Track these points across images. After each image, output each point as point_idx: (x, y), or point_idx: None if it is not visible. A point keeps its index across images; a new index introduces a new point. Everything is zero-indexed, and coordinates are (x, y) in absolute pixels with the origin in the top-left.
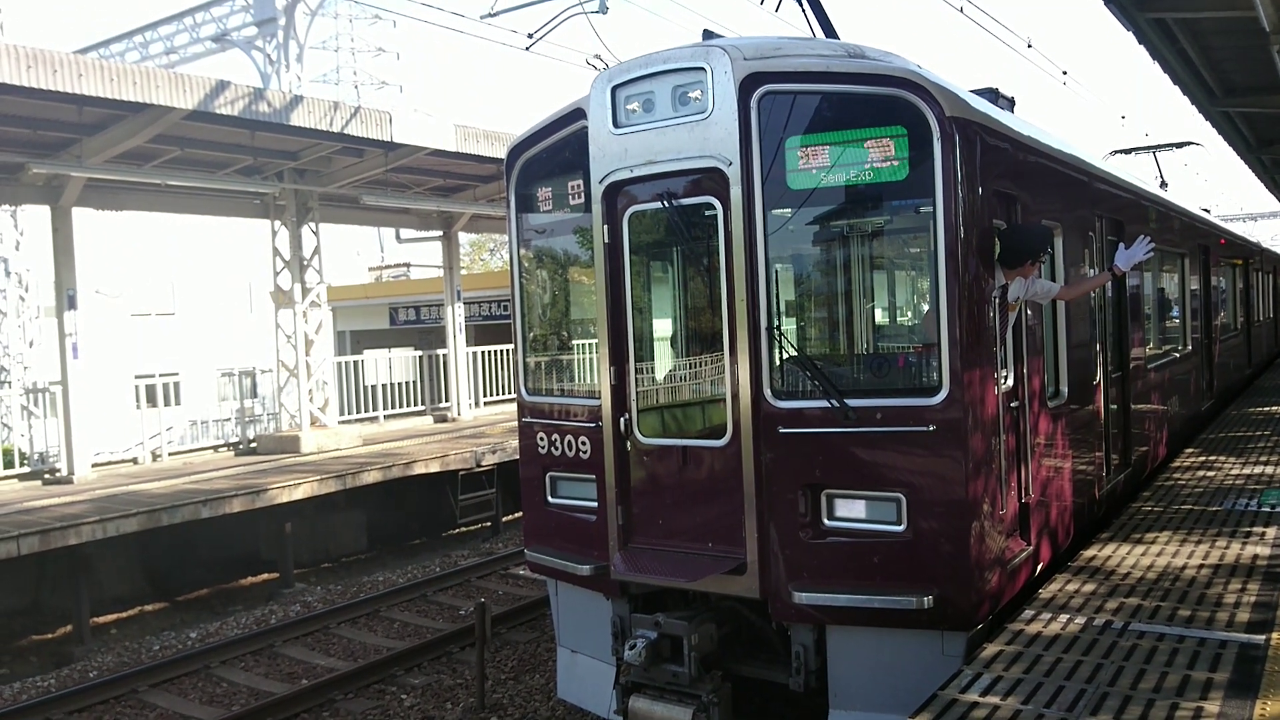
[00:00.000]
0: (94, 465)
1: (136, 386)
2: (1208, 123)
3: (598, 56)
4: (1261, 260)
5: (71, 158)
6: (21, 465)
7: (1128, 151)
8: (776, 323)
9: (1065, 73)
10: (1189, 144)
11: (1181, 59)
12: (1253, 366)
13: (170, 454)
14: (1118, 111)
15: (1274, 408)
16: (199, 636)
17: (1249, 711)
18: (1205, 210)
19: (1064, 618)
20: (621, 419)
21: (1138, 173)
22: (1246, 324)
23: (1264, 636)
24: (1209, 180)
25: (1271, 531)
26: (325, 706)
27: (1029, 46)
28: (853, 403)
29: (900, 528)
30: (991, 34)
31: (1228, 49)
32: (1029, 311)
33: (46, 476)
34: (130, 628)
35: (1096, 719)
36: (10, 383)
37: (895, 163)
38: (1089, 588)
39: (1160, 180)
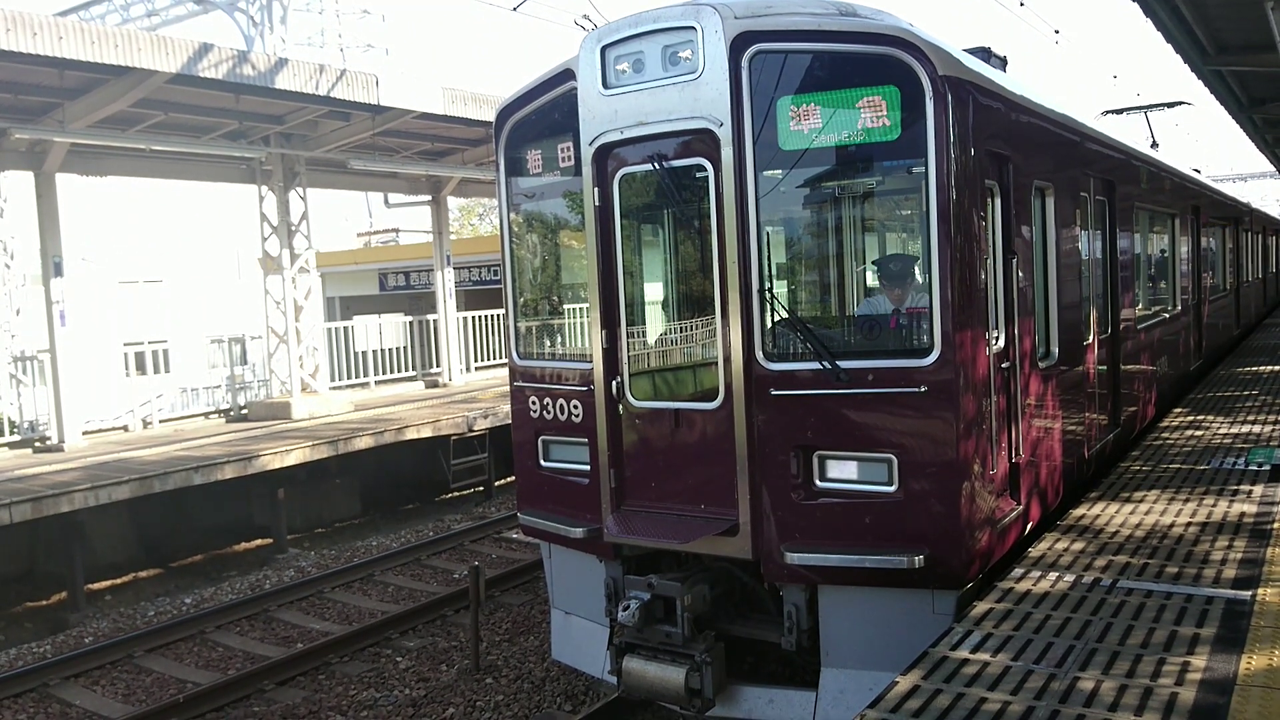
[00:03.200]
0: (84, 433)
1: (125, 354)
2: (1199, 82)
3: (586, 17)
4: (1251, 221)
5: (54, 123)
6: (11, 434)
7: (1119, 111)
8: (768, 285)
9: (1058, 32)
10: (1180, 104)
11: (1174, 16)
12: (1241, 327)
13: (161, 421)
14: (1110, 71)
15: (1262, 368)
16: (194, 602)
17: (1234, 666)
18: (1196, 170)
19: (1053, 575)
20: (613, 382)
21: (1129, 133)
22: (1236, 284)
23: (1250, 592)
24: (1200, 140)
25: (1258, 489)
26: (321, 670)
27: (1021, 5)
28: (844, 364)
29: (891, 488)
30: None
31: (1221, 6)
32: (1020, 272)
33: (37, 445)
34: (125, 594)
35: (1085, 674)
36: None
37: (887, 123)
38: (1078, 546)
39: (1151, 140)
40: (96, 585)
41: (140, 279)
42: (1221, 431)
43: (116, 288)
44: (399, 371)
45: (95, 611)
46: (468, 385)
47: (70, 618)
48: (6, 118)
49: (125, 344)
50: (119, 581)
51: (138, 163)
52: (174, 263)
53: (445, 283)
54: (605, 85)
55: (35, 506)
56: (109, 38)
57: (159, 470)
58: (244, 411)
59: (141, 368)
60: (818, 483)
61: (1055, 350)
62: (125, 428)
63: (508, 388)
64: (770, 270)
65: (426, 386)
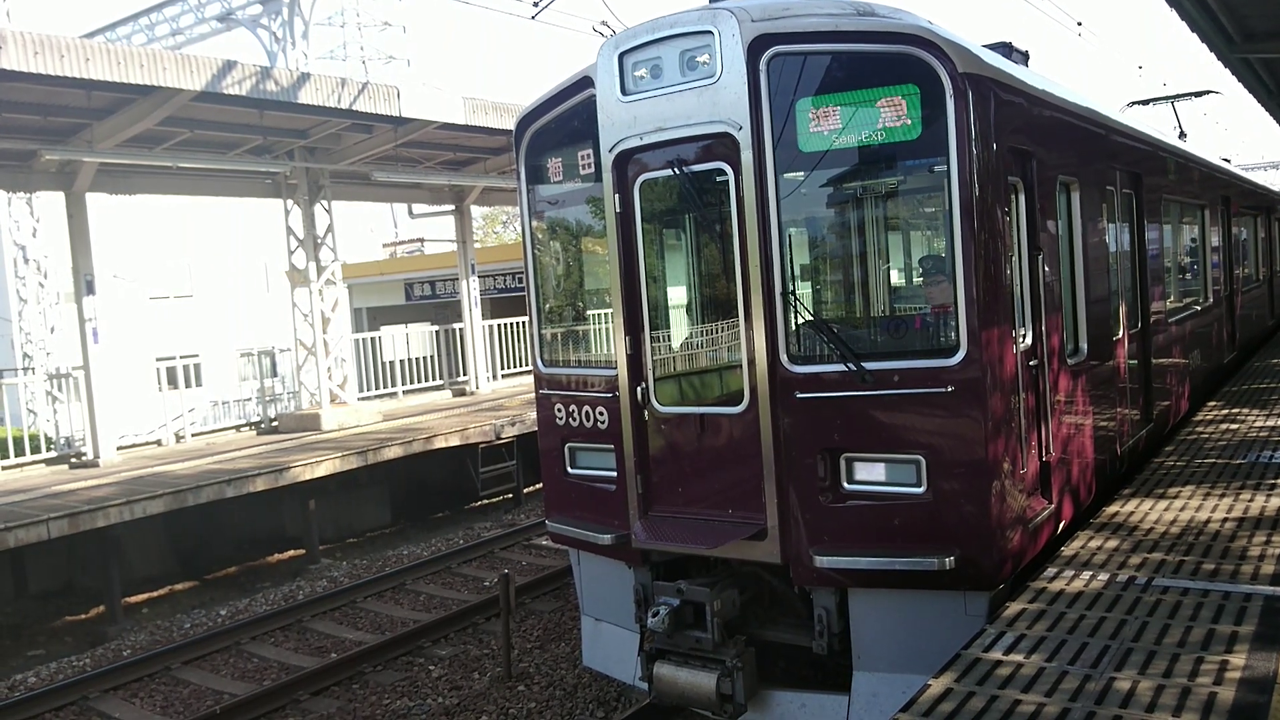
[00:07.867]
0: (119, 448)
1: (158, 369)
2: (1227, 70)
3: (604, 23)
4: None
5: (82, 143)
6: (48, 450)
7: (1145, 102)
8: (791, 287)
9: (1080, 24)
10: (1208, 93)
11: (1198, 5)
12: (1276, 317)
13: (193, 435)
14: (1135, 62)
15: None
16: (229, 614)
17: (1274, 664)
18: (1226, 160)
19: (1086, 575)
20: (638, 388)
21: (1156, 123)
22: (1270, 274)
23: None
24: (1229, 129)
25: None
26: (355, 679)
27: None
28: (870, 365)
29: (920, 489)
30: None
31: None
32: (1046, 268)
33: (73, 460)
34: (161, 607)
35: (1121, 674)
36: (34, 369)
37: (908, 122)
38: (1112, 544)
39: (1179, 130)
40: (133, 598)
41: (171, 294)
42: (1257, 424)
43: (148, 303)
44: (426, 381)
45: (133, 625)
46: (495, 393)
47: (108, 631)
48: (37, 139)
49: (157, 359)
50: (155, 594)
51: (165, 180)
52: (204, 277)
53: (470, 291)
54: (624, 91)
55: (72, 522)
56: (134, 58)
57: (192, 484)
58: (274, 424)
59: (173, 382)
60: (845, 485)
61: (1084, 346)
62: (159, 442)
63: (534, 395)
64: (793, 272)
65: (454, 395)
